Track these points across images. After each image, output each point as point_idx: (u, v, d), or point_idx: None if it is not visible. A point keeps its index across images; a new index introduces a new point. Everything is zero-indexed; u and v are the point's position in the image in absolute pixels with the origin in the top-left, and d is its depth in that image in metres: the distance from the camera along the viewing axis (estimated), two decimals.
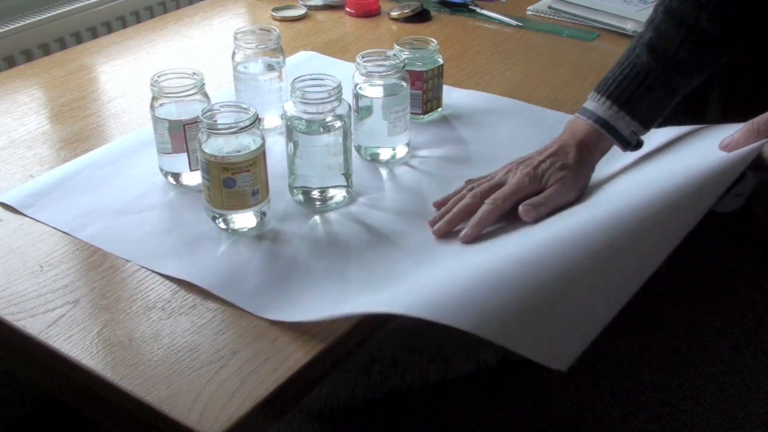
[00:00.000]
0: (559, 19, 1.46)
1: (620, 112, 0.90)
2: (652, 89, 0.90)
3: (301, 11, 1.51)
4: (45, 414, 1.53)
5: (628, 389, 1.61)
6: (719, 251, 2.00)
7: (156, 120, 0.95)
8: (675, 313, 1.81)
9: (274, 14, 1.50)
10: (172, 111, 0.94)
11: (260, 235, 0.88)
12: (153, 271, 0.83)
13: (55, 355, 0.73)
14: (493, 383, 1.62)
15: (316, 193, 0.93)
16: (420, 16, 1.48)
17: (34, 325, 0.76)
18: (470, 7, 1.51)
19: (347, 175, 0.94)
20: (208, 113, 0.86)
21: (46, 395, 1.50)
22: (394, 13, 1.48)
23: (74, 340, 0.74)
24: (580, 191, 0.91)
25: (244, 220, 0.89)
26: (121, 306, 0.79)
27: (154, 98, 0.95)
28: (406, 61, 1.03)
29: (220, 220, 0.89)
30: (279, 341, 0.74)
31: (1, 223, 0.92)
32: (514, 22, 1.44)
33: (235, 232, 0.89)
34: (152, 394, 0.68)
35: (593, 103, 0.92)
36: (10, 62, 1.37)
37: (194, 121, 0.91)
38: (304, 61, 1.30)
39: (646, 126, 0.92)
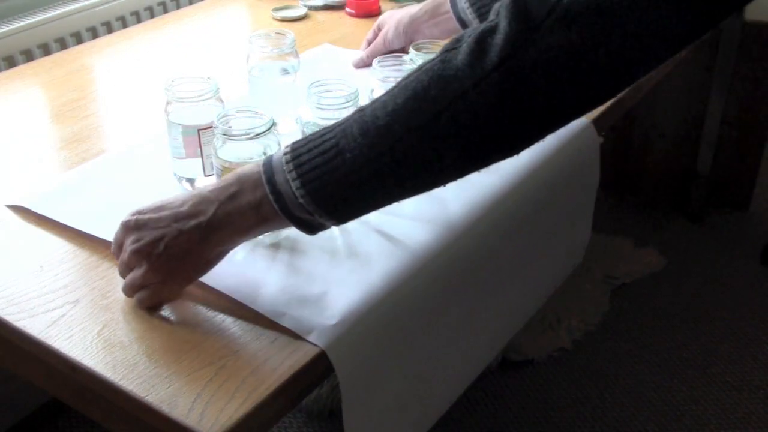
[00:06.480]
0: None
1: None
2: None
3: (301, 11, 1.51)
4: (45, 414, 1.53)
5: (628, 389, 1.61)
6: (720, 250, 2.00)
7: (170, 124, 0.94)
8: (675, 313, 1.81)
9: (274, 14, 1.50)
10: (185, 115, 0.93)
11: (276, 242, 0.87)
12: None
13: (55, 355, 0.73)
14: (493, 384, 1.62)
15: None
16: None
17: (34, 325, 0.76)
18: None
19: None
20: (224, 118, 0.85)
21: (46, 395, 1.50)
22: None
23: (74, 340, 0.74)
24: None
25: None
26: (121, 306, 0.79)
27: (168, 102, 0.94)
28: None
29: None
30: (279, 341, 0.74)
31: (1, 223, 0.92)
32: None
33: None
34: (152, 394, 0.68)
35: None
36: (10, 62, 1.37)
37: (209, 126, 0.89)
38: (318, 57, 1.30)
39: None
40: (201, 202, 0.76)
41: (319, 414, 1.55)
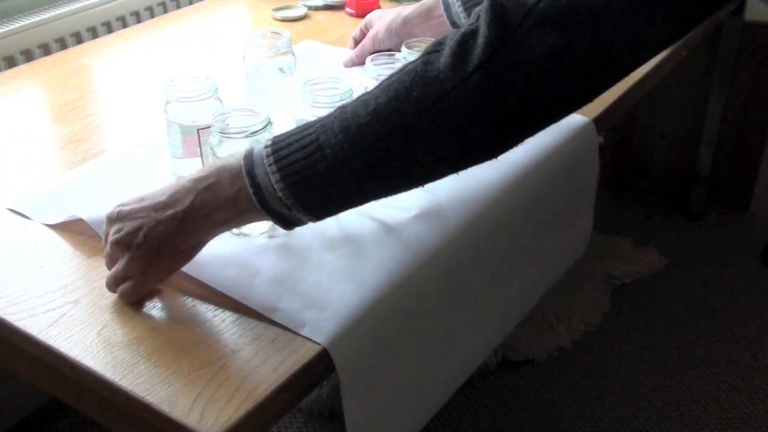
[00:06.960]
0: None
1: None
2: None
3: (301, 11, 1.51)
4: (45, 414, 1.53)
5: (628, 389, 1.61)
6: (720, 250, 2.00)
7: (169, 124, 0.94)
8: (675, 313, 1.81)
9: (274, 14, 1.50)
10: (185, 115, 0.93)
11: (272, 235, 0.87)
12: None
13: (55, 355, 0.73)
14: (493, 384, 1.62)
15: None
16: None
17: (34, 325, 0.76)
18: None
19: None
20: (221, 117, 0.86)
21: (46, 395, 1.50)
22: None
23: (74, 340, 0.74)
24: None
25: (257, 225, 0.86)
26: (121, 306, 0.79)
27: (167, 102, 0.94)
28: None
29: None
30: (279, 341, 0.74)
31: (1, 223, 0.92)
32: None
33: (246, 236, 0.87)
34: (152, 393, 0.68)
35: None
36: (10, 62, 1.37)
37: (208, 126, 0.90)
38: (306, 53, 1.31)
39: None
40: (179, 191, 0.76)
41: (319, 414, 1.55)
